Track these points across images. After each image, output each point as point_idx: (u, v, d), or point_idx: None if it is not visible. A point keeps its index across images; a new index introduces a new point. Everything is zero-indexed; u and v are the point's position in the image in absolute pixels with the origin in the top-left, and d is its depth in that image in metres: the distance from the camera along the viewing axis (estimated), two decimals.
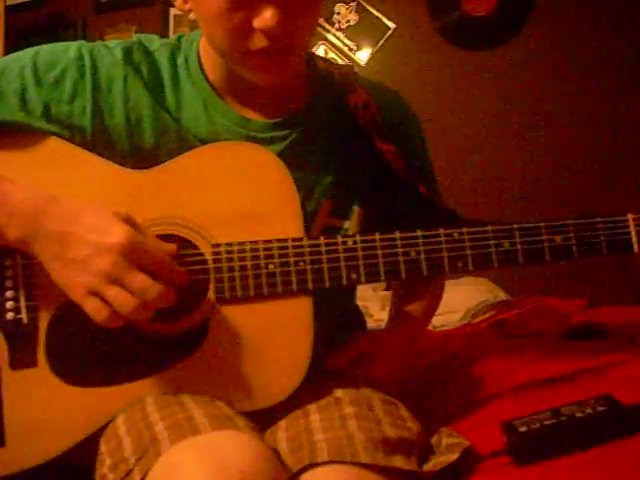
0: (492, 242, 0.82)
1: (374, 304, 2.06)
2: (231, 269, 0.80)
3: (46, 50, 0.86)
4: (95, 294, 0.72)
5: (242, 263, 0.81)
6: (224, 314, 0.81)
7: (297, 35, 0.80)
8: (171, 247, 0.79)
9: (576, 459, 0.73)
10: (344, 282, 0.81)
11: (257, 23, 0.76)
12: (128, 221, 0.75)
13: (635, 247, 0.83)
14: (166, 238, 0.80)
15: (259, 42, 0.78)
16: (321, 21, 2.73)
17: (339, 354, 0.92)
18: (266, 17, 0.74)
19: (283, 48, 0.79)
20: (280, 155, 0.84)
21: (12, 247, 0.77)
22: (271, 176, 0.83)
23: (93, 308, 0.72)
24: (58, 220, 0.74)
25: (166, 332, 0.81)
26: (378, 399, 0.84)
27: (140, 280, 0.72)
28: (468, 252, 0.82)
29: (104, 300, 0.72)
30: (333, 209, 0.92)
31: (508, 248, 0.82)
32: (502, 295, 2.09)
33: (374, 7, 2.72)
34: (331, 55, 2.76)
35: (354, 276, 0.81)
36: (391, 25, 2.70)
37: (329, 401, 0.83)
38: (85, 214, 0.74)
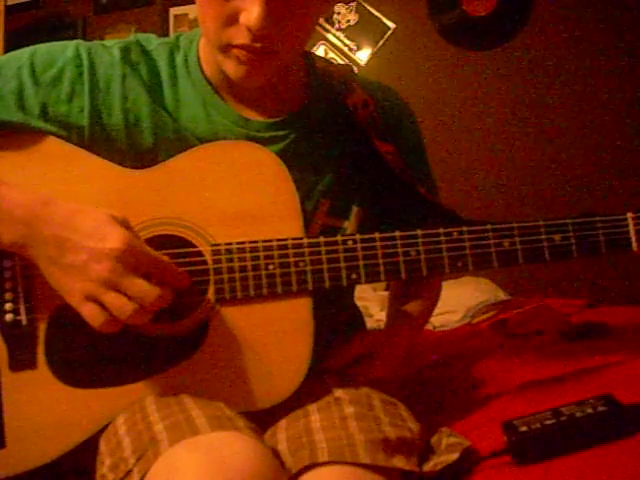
0: (492, 241, 0.82)
1: (374, 304, 2.06)
2: (231, 269, 0.80)
3: (43, 49, 0.86)
4: (92, 299, 0.72)
5: (242, 263, 0.80)
6: (224, 315, 0.81)
7: (281, 42, 0.79)
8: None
9: (576, 459, 0.73)
10: (344, 282, 0.81)
11: (243, 18, 0.76)
12: (124, 224, 0.75)
13: (634, 246, 0.83)
14: (165, 238, 0.80)
15: (241, 37, 0.77)
16: (321, 21, 2.72)
17: (339, 354, 0.92)
18: (252, 15, 0.74)
19: (263, 50, 0.78)
20: (279, 155, 0.84)
21: (8, 251, 0.77)
22: (271, 175, 0.83)
23: (90, 313, 0.72)
24: (54, 225, 0.73)
25: (166, 333, 0.80)
26: (378, 399, 0.84)
27: (138, 285, 0.71)
28: (468, 251, 0.82)
29: (102, 305, 0.72)
30: (332, 209, 0.92)
31: (508, 247, 0.82)
32: (502, 295, 2.08)
33: (374, 7, 2.72)
34: (331, 55, 2.76)
35: (354, 276, 0.81)
36: (391, 25, 2.70)
37: (329, 401, 0.82)
38: (82, 218, 0.73)
